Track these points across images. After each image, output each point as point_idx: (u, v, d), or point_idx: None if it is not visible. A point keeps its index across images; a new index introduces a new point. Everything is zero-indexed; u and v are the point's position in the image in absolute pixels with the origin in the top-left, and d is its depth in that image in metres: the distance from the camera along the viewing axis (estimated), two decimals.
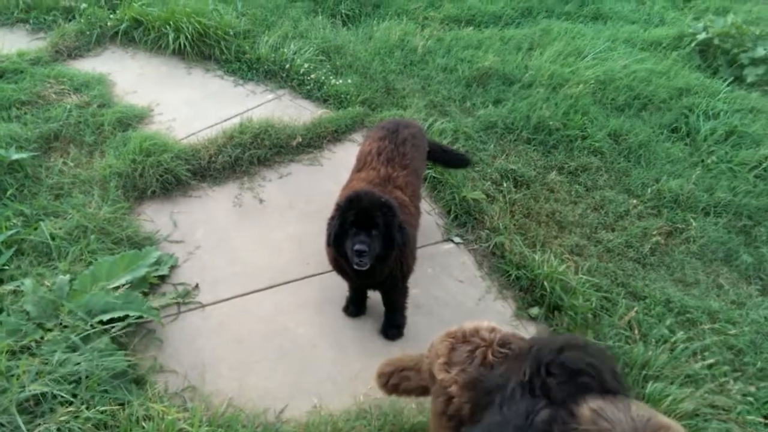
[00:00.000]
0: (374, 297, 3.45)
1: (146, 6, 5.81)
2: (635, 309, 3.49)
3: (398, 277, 3.09)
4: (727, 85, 5.83)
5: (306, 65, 5.41)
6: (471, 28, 6.63)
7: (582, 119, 5.08)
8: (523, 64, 5.82)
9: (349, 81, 5.32)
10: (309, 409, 2.89)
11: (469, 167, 4.25)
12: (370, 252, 2.72)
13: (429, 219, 4.07)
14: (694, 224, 4.32)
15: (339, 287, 3.49)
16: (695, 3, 8.09)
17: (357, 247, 2.69)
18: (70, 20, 5.85)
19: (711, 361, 3.22)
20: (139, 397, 2.71)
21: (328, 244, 2.89)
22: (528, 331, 3.43)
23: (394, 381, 2.48)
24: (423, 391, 2.40)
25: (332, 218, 2.86)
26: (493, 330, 2.12)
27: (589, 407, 1.50)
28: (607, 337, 3.33)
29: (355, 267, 2.78)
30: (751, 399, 3.06)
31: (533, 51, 6.08)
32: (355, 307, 3.43)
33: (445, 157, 3.99)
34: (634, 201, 4.46)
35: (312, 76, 5.35)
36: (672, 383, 3.05)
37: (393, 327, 3.36)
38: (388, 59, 5.76)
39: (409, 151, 3.35)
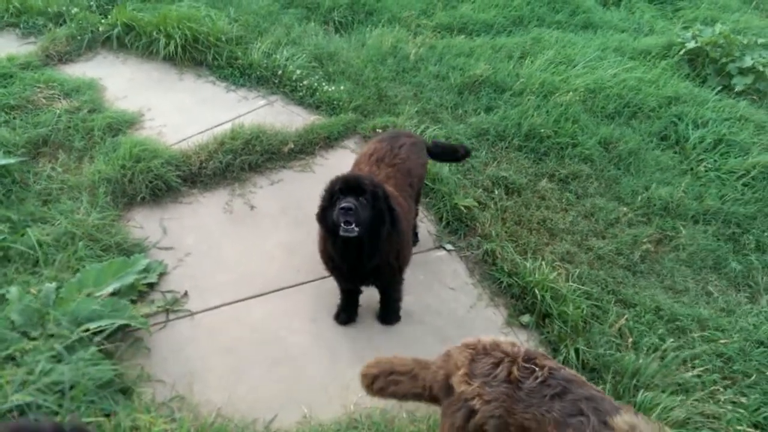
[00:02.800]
0: (365, 304, 3.45)
1: (138, 11, 5.79)
2: (626, 317, 3.50)
3: (395, 266, 3.11)
4: (716, 94, 5.88)
5: (298, 71, 5.40)
6: (463, 36, 6.65)
7: (572, 127, 5.11)
8: (514, 72, 5.84)
9: (342, 88, 5.32)
10: (299, 419, 2.87)
11: (469, 157, 4.15)
12: (356, 212, 2.69)
13: (421, 226, 4.07)
14: (683, 232, 4.34)
15: (331, 294, 3.48)
16: (684, 12, 8.17)
17: (343, 204, 2.67)
18: (61, 25, 5.80)
19: (701, 369, 3.24)
20: (125, 407, 2.68)
21: (317, 219, 2.91)
22: (519, 339, 3.42)
23: (380, 384, 2.36)
24: (414, 398, 2.35)
25: (322, 198, 2.89)
26: (515, 345, 2.09)
27: (623, 420, 1.60)
28: (597, 344, 3.33)
29: (342, 233, 2.72)
30: (741, 408, 3.07)
31: (524, 59, 6.10)
32: (346, 314, 3.41)
33: (448, 150, 3.91)
34: (624, 209, 4.48)
35: (304, 82, 5.34)
36: (663, 392, 3.06)
37: (389, 314, 3.43)
38: (381, 66, 5.77)
39: (403, 154, 3.37)
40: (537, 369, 1.95)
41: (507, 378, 1.95)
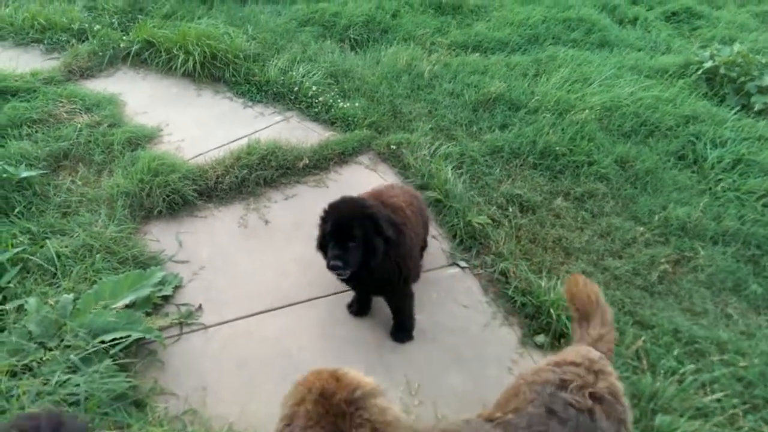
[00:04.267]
0: (377, 321, 3.43)
1: (158, 28, 5.91)
2: (643, 338, 3.44)
3: (396, 281, 3.12)
4: (734, 114, 5.83)
5: (314, 88, 5.47)
6: (477, 54, 6.70)
7: (588, 145, 5.08)
8: (529, 89, 5.85)
9: (357, 104, 5.36)
10: None
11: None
12: (345, 266, 2.80)
13: (434, 243, 4.06)
14: (702, 253, 4.28)
15: (343, 309, 3.49)
16: (701, 31, 8.15)
17: (331, 263, 2.79)
18: (83, 41, 5.94)
19: (720, 394, 3.16)
20: (138, 420, 2.68)
21: (318, 247, 3.02)
22: (533, 359, 3.38)
23: None
24: None
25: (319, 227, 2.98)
26: None
27: None
28: (614, 367, 3.27)
29: (334, 274, 2.88)
30: None
31: (539, 77, 6.12)
32: (358, 306, 3.50)
33: None
34: (641, 228, 4.43)
35: (320, 98, 5.40)
36: (681, 416, 2.99)
37: (400, 331, 3.42)
38: (396, 83, 5.81)
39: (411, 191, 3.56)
40: None
41: None
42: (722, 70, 6.31)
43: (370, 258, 2.88)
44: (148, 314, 3.26)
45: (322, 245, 2.97)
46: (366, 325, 3.48)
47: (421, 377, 3.20)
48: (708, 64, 6.42)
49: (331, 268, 2.81)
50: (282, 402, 1.85)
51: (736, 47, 6.50)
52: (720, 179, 4.99)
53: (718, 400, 3.14)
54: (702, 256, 4.24)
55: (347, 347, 3.35)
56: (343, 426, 1.58)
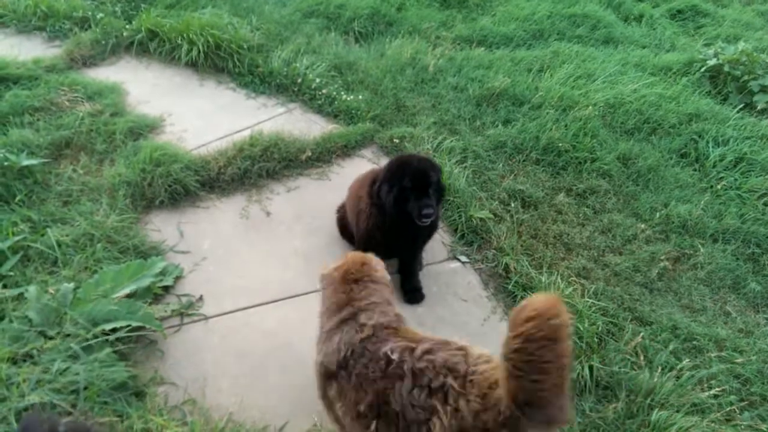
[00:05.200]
0: None
1: (162, 17, 5.88)
2: (641, 335, 3.45)
3: (436, 227, 3.55)
4: (737, 112, 5.82)
5: (318, 80, 5.45)
6: (482, 48, 6.67)
7: (591, 142, 5.08)
8: (533, 85, 5.84)
9: (360, 97, 5.35)
10: (309, 428, 2.86)
11: None
12: (434, 212, 3.15)
13: (435, 237, 4.05)
14: (702, 250, 4.28)
15: None
16: (706, 30, 8.12)
17: (424, 212, 3.11)
18: (86, 29, 5.91)
19: (717, 390, 3.18)
20: (138, 409, 2.69)
21: (379, 197, 3.24)
22: None
23: None
24: None
25: (380, 185, 3.22)
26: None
27: None
28: (612, 362, 3.29)
29: (421, 223, 3.18)
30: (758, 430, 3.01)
31: (543, 73, 6.10)
32: None
33: None
34: (642, 225, 4.43)
35: (323, 91, 5.38)
36: (678, 411, 3.01)
37: (416, 290, 3.66)
38: (400, 77, 5.79)
39: None
40: None
41: None
42: (726, 69, 6.30)
43: (440, 201, 3.34)
44: (148, 304, 3.26)
45: (399, 200, 3.17)
46: None
47: None
48: (712, 63, 6.40)
49: (424, 216, 3.11)
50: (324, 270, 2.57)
51: (741, 46, 6.48)
52: (721, 177, 4.99)
53: (715, 396, 3.16)
54: (702, 254, 4.25)
55: None
56: (351, 284, 2.41)
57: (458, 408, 1.86)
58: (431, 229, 3.48)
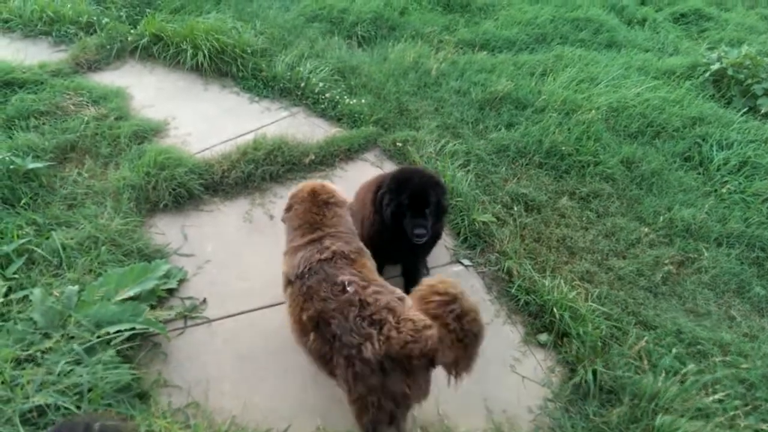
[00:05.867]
0: None
1: (167, 22, 5.91)
2: (645, 339, 3.44)
3: (436, 240, 3.52)
4: (741, 116, 5.81)
5: (321, 84, 5.47)
6: (485, 52, 6.69)
7: (594, 145, 5.08)
8: (536, 89, 5.85)
9: (363, 101, 5.36)
10: (312, 430, 2.86)
11: None
12: (426, 233, 3.13)
13: (437, 243, 4.05)
14: (706, 254, 4.27)
15: None
16: (709, 33, 8.12)
17: (416, 231, 3.10)
18: (91, 34, 5.95)
19: (722, 394, 3.16)
20: (142, 412, 2.70)
21: (379, 207, 3.25)
22: (536, 358, 3.39)
23: None
24: None
25: (383, 195, 3.23)
26: None
27: None
28: (616, 366, 3.28)
29: (415, 241, 3.16)
30: None
31: (546, 76, 6.11)
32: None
33: None
34: (646, 229, 4.43)
35: (327, 95, 5.40)
36: (682, 416, 3.00)
37: None
38: (402, 81, 5.81)
39: None
40: None
41: None
42: (729, 72, 6.29)
43: (439, 221, 3.29)
44: (152, 307, 3.27)
45: (396, 215, 3.17)
46: None
47: None
48: (715, 66, 6.40)
49: (416, 236, 3.10)
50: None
51: (744, 49, 6.48)
52: (726, 181, 4.99)
53: (720, 401, 3.15)
54: (706, 258, 4.24)
55: None
56: (322, 207, 2.85)
57: (390, 337, 2.24)
58: (433, 239, 3.46)
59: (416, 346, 2.20)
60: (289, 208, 2.98)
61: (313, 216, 2.83)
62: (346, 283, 2.48)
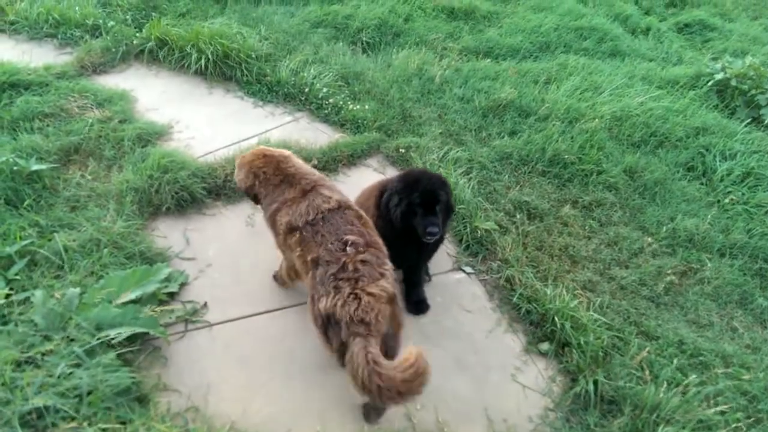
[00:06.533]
0: None
1: (172, 26, 5.94)
2: (647, 349, 3.42)
3: (442, 241, 3.56)
4: (745, 126, 5.81)
5: (325, 90, 5.49)
6: (489, 60, 6.70)
7: (597, 154, 5.08)
8: (539, 97, 5.85)
9: (367, 107, 5.38)
10: None
11: None
12: (438, 231, 3.16)
13: (440, 247, 4.04)
14: (709, 265, 4.26)
15: None
16: (713, 44, 8.13)
17: (429, 229, 3.13)
18: (96, 37, 5.97)
19: (724, 406, 3.15)
20: (141, 416, 2.69)
21: (386, 208, 3.28)
22: (537, 367, 3.37)
23: None
24: None
25: (389, 197, 3.27)
26: None
27: None
28: (618, 376, 3.26)
29: (426, 240, 3.20)
30: None
31: (550, 85, 6.12)
32: None
33: None
34: (649, 239, 4.42)
35: (330, 100, 5.42)
36: (684, 428, 2.99)
37: (421, 301, 3.65)
38: (406, 87, 5.82)
39: None
40: None
41: None
42: (733, 83, 6.30)
43: (446, 221, 3.33)
44: (153, 310, 3.26)
45: (406, 215, 3.20)
46: None
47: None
48: (719, 76, 6.40)
49: (429, 234, 3.13)
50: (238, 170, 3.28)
51: (748, 60, 6.49)
52: (729, 192, 4.98)
53: (722, 413, 3.13)
54: (709, 269, 4.23)
55: None
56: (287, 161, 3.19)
57: (336, 304, 2.61)
58: (436, 243, 3.48)
59: (389, 305, 2.69)
60: (255, 176, 3.19)
61: (288, 169, 3.14)
62: (349, 243, 2.76)
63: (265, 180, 3.16)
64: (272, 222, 3.14)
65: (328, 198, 2.96)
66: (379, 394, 2.44)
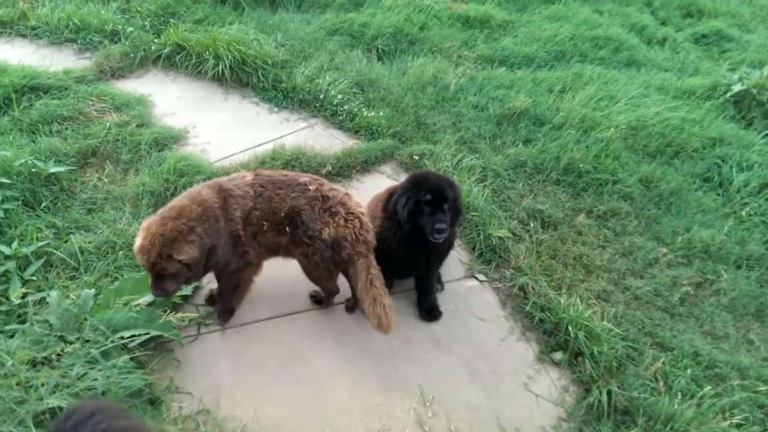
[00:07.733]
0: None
1: (190, 32, 6.01)
2: (662, 360, 3.38)
3: (452, 245, 3.56)
4: (762, 137, 5.75)
5: (340, 96, 5.52)
6: (504, 68, 6.69)
7: (613, 163, 5.04)
8: (554, 105, 5.83)
9: (381, 114, 5.39)
10: None
11: None
12: (446, 229, 3.14)
13: (453, 254, 4.03)
14: (725, 276, 4.21)
15: (358, 318, 3.48)
16: (731, 54, 8.06)
17: (437, 226, 3.13)
18: (115, 42, 6.07)
19: (739, 418, 3.09)
20: (153, 417, 2.70)
21: (403, 224, 3.26)
22: (550, 377, 3.34)
23: None
24: None
25: (397, 199, 3.28)
26: None
27: None
28: (632, 387, 3.22)
29: (434, 239, 3.20)
30: None
31: (565, 93, 6.09)
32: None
33: None
34: (664, 249, 4.37)
35: (345, 107, 5.44)
36: None
37: (433, 308, 3.64)
38: (421, 95, 5.83)
39: None
40: None
41: None
42: (751, 93, 6.23)
43: (455, 222, 3.32)
44: (167, 313, 3.27)
45: (414, 213, 3.21)
46: (379, 334, 3.47)
47: (436, 388, 3.18)
48: (737, 87, 6.34)
49: (437, 231, 3.13)
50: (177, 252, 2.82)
51: (766, 71, 6.41)
52: (745, 203, 4.92)
53: (738, 426, 3.08)
54: (725, 280, 4.17)
55: (361, 355, 3.34)
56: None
57: (339, 225, 3.01)
58: (445, 247, 3.47)
59: (366, 236, 3.07)
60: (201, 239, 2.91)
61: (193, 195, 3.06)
62: (307, 183, 3.10)
63: (208, 232, 2.90)
64: (237, 238, 3.06)
65: (240, 176, 3.15)
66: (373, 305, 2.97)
